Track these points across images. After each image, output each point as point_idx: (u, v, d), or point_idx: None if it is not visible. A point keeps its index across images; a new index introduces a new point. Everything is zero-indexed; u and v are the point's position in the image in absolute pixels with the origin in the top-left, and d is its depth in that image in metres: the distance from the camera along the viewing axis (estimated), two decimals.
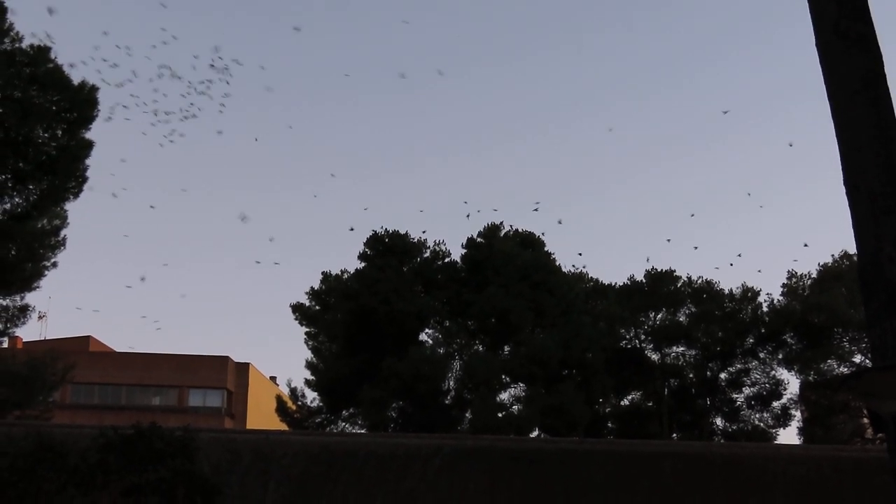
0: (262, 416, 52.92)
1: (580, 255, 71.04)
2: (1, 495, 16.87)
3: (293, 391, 42.01)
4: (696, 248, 62.19)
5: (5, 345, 36.74)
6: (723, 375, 43.72)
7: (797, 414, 43.94)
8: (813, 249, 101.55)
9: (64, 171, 25.89)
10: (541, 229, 43.10)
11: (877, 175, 8.23)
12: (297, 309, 42.27)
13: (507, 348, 39.36)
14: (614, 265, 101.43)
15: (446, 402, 38.52)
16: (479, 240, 41.01)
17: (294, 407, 41.55)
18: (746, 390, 43.78)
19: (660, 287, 43.38)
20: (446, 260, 41.36)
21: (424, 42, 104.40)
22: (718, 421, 43.94)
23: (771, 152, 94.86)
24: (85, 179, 26.65)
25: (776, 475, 20.66)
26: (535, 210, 60.57)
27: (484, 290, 38.26)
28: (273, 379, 64.00)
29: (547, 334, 38.08)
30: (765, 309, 43.43)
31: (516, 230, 42.13)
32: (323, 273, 42.60)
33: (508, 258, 39.37)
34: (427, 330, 40.23)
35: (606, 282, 45.03)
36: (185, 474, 17.17)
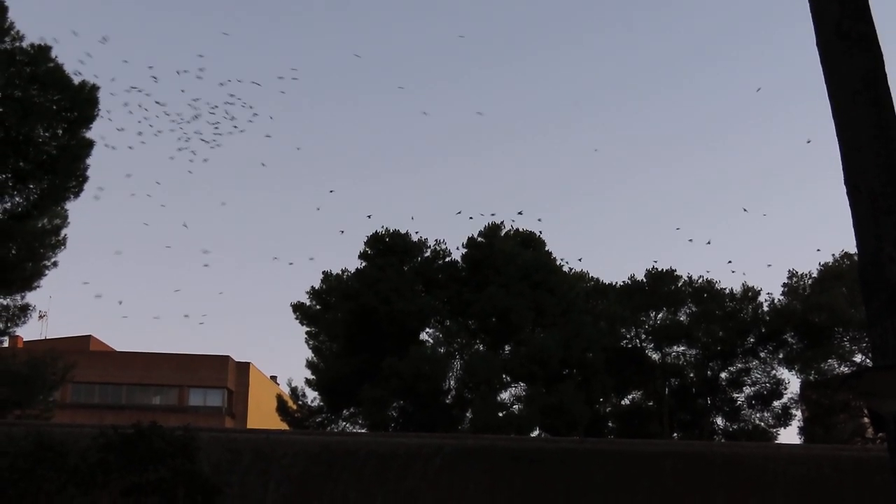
0: (262, 416, 52.92)
1: (580, 259, 71.25)
2: (1, 495, 16.88)
3: (294, 390, 42.02)
4: (690, 240, 61.99)
5: (6, 344, 36.72)
6: (723, 375, 43.71)
7: (798, 413, 43.95)
8: (813, 249, 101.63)
9: (64, 170, 25.87)
10: (537, 231, 42.94)
11: (877, 175, 8.23)
12: (298, 308, 42.28)
13: (507, 348, 39.36)
14: (615, 265, 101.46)
15: (447, 401, 38.53)
16: (479, 239, 41.01)
17: (294, 406, 41.55)
18: (747, 390, 43.79)
19: (660, 286, 43.37)
20: (447, 259, 41.38)
21: (424, 42, 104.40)
22: (719, 420, 43.95)
23: (771, 152, 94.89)
24: (86, 179, 26.64)
25: (777, 475, 20.66)
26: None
27: (484, 290, 38.26)
28: (274, 378, 63.99)
29: (547, 334, 38.08)
30: (765, 308, 43.45)
31: (517, 230, 42.14)
32: (323, 272, 42.64)
33: (509, 258, 39.37)
34: (428, 329, 40.24)
35: (607, 281, 45.07)
36: (185, 474, 17.18)
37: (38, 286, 27.58)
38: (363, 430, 37.87)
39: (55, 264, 27.41)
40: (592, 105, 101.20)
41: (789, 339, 42.83)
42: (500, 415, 36.90)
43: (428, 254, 41.29)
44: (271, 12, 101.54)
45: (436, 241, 41.61)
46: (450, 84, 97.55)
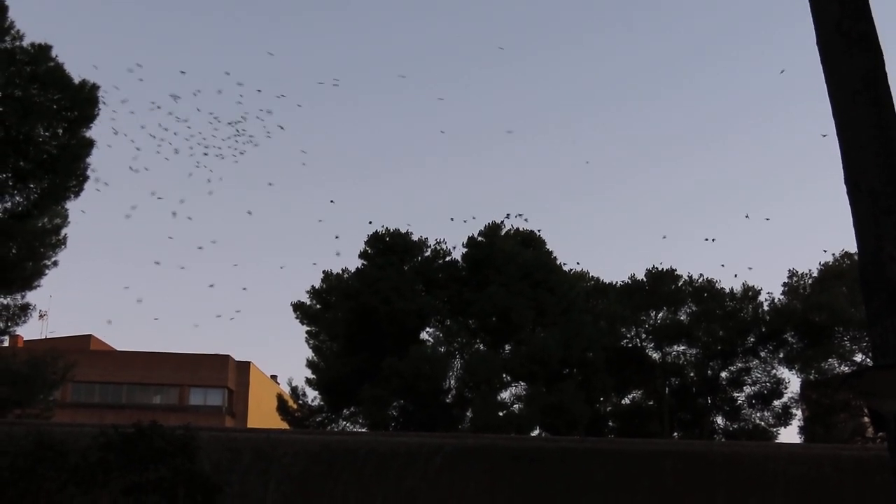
0: (262, 415, 52.93)
1: (577, 264, 71.34)
2: (2, 494, 16.88)
3: (294, 390, 42.02)
4: (706, 239, 61.69)
5: (6, 343, 36.73)
6: (723, 374, 43.71)
7: (798, 413, 43.96)
8: (813, 248, 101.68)
9: (65, 169, 25.87)
10: (537, 230, 42.95)
11: (878, 174, 8.23)
12: (298, 308, 42.29)
13: (507, 347, 39.36)
14: (615, 264, 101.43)
15: (447, 400, 38.53)
16: (479, 239, 41.01)
17: (295, 406, 41.55)
18: (747, 389, 43.79)
19: (660, 286, 43.37)
20: (447, 259, 41.38)
21: (425, 42, 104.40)
22: (719, 420, 43.97)
23: (771, 151, 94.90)
24: (86, 178, 26.65)
25: (777, 474, 20.65)
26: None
27: (485, 289, 38.27)
28: (274, 378, 64.00)
29: (548, 333, 38.08)
30: (766, 308, 43.45)
31: (517, 229, 42.14)
32: (324, 272, 42.67)
33: (509, 257, 39.37)
34: (428, 329, 40.25)
35: (607, 281, 45.09)
36: (185, 473, 17.18)
37: (39, 285, 27.61)
38: (363, 430, 37.88)
39: (55, 264, 27.43)
40: (592, 105, 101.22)
41: (790, 339, 42.82)
42: (501, 414, 36.90)
43: (428, 253, 41.30)
44: (271, 12, 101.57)
45: (436, 240, 41.67)
46: (449, 84, 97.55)
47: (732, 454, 21.96)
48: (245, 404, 58.83)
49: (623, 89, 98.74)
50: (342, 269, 41.87)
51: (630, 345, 43.51)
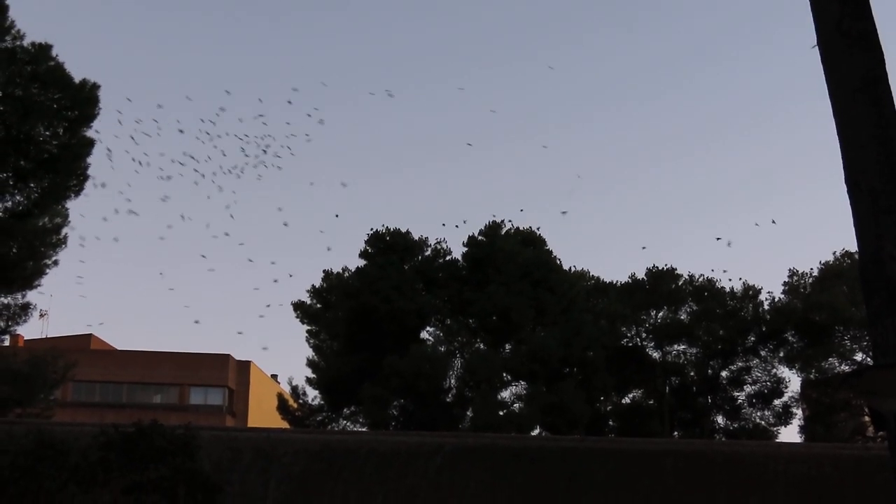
0: (263, 415, 52.94)
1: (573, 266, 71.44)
2: (2, 493, 16.89)
3: (294, 389, 42.04)
4: (717, 238, 61.65)
5: (6, 343, 36.73)
6: (724, 373, 43.73)
7: (798, 412, 43.97)
8: (814, 247, 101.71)
9: (65, 169, 25.89)
10: (537, 229, 42.94)
11: (878, 173, 8.23)
12: (299, 307, 42.29)
13: (508, 346, 39.37)
14: (615, 263, 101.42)
15: (447, 400, 38.55)
16: (480, 238, 41.01)
17: (295, 405, 41.57)
18: (747, 388, 43.82)
19: (661, 285, 43.39)
20: (447, 258, 41.39)
21: (424, 41, 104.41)
22: (719, 419, 43.99)
23: (772, 151, 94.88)
24: (86, 177, 26.67)
25: (777, 473, 20.65)
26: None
27: (485, 288, 38.28)
28: (274, 377, 64.00)
29: (548, 332, 38.10)
30: (766, 307, 43.46)
31: (517, 228, 42.13)
32: (324, 271, 42.70)
33: (509, 256, 39.38)
34: (428, 328, 40.28)
35: (607, 280, 45.12)
36: (186, 472, 17.18)
37: (39, 285, 27.63)
38: (364, 429, 37.90)
39: (56, 263, 27.44)
40: (592, 105, 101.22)
41: (790, 338, 42.84)
42: (501, 413, 36.92)
43: (428, 252, 41.31)
44: (269, 12, 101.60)
45: (436, 239, 41.67)
46: (449, 84, 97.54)
47: (733, 453, 21.96)
48: (245, 404, 58.84)
49: (623, 89, 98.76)
50: (342, 269, 41.92)
51: (630, 344, 43.53)
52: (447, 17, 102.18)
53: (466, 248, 40.98)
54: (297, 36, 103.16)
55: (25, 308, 28.47)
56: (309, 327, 42.36)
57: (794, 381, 47.08)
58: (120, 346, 61.59)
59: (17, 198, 26.07)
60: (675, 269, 43.94)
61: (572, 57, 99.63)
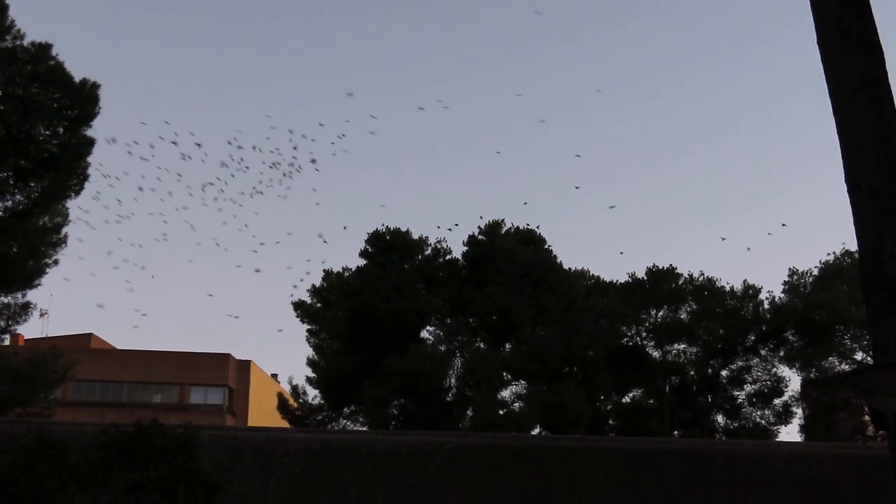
0: (263, 414, 52.96)
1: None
2: (2, 493, 16.87)
3: (294, 388, 42.05)
4: (723, 238, 61.82)
5: (7, 342, 36.77)
6: (724, 373, 43.75)
7: (798, 411, 44.00)
8: (814, 247, 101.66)
9: (65, 168, 25.90)
10: (537, 228, 42.95)
11: (878, 173, 8.23)
12: (299, 306, 42.31)
13: (508, 346, 39.38)
14: (615, 263, 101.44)
15: (447, 399, 38.55)
16: (480, 237, 41.01)
17: (295, 404, 41.59)
18: (748, 388, 43.84)
19: (661, 284, 43.41)
20: (447, 257, 41.40)
21: (424, 41, 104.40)
22: (720, 418, 44.02)
23: (772, 151, 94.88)
24: (86, 177, 26.69)
25: (777, 472, 20.64)
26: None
27: (485, 288, 38.28)
28: (274, 376, 64.05)
29: (548, 332, 38.10)
30: (766, 306, 43.49)
31: (517, 227, 42.14)
32: (324, 270, 42.71)
33: (509, 255, 39.39)
34: (428, 327, 40.30)
35: (607, 279, 45.14)
36: (186, 472, 17.16)
37: (39, 284, 27.65)
38: (364, 428, 37.92)
39: (56, 262, 27.48)
40: (593, 104, 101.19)
41: (790, 337, 42.86)
42: (501, 413, 36.93)
43: (428, 252, 41.31)
44: (269, 11, 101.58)
45: (436, 239, 41.68)
46: (450, 84, 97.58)
47: (733, 453, 21.95)
48: (245, 403, 58.85)
49: (624, 89, 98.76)
50: (343, 268, 41.94)
51: (630, 343, 43.55)
52: (447, 17, 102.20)
53: (466, 248, 41.00)
54: (296, 36, 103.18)
55: (26, 307, 28.51)
56: (309, 326, 42.40)
57: (794, 381, 47.23)
58: (120, 346, 61.64)
59: (18, 197, 26.09)
60: (675, 269, 43.99)
61: (572, 57, 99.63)
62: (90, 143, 26.45)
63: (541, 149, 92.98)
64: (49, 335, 55.65)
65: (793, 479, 20.53)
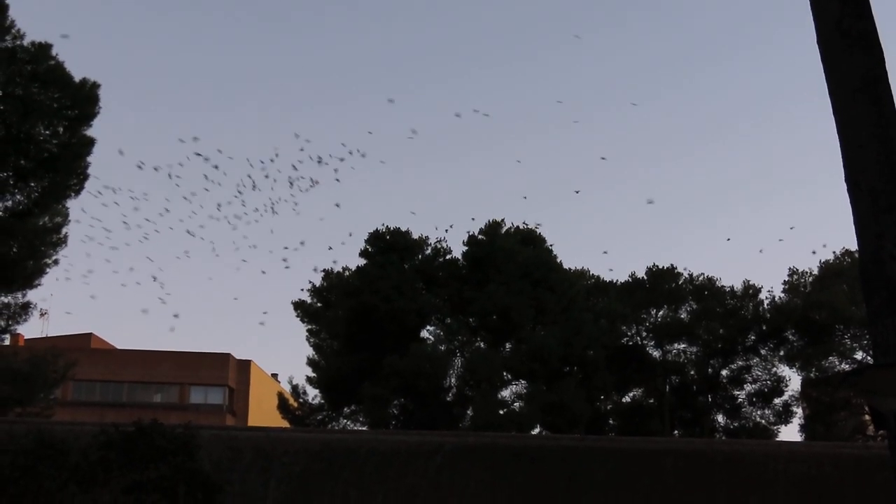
0: (263, 414, 52.96)
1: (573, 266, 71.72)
2: (2, 492, 16.87)
3: (294, 388, 42.05)
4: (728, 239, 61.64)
5: (7, 342, 36.76)
6: (724, 372, 43.76)
7: (798, 411, 44.02)
8: (814, 247, 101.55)
9: (65, 168, 25.90)
10: (537, 228, 42.94)
11: (878, 172, 8.23)
12: (299, 306, 42.30)
13: (508, 345, 39.38)
14: (616, 262, 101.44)
15: (447, 399, 38.55)
16: (480, 237, 41.01)
17: (295, 404, 41.58)
18: (748, 387, 43.85)
19: (661, 284, 43.42)
20: (447, 257, 41.38)
21: (425, 41, 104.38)
22: (720, 418, 44.03)
23: (772, 151, 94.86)
24: (86, 177, 26.69)
25: (777, 472, 20.64)
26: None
27: (485, 288, 38.28)
28: (274, 376, 64.06)
29: (548, 331, 38.10)
30: (766, 306, 43.49)
31: (517, 227, 42.14)
32: (324, 270, 42.69)
33: (509, 255, 39.38)
34: (428, 327, 40.29)
35: (607, 279, 45.13)
36: (186, 471, 17.15)
37: (39, 284, 27.65)
38: (364, 428, 37.91)
39: (56, 262, 27.49)
40: (592, 104, 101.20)
41: (790, 337, 42.87)
42: (501, 412, 36.93)
43: (429, 251, 41.30)
44: (269, 12, 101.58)
45: (437, 238, 41.67)
46: (451, 83, 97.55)
47: (733, 452, 21.95)
48: (246, 403, 58.86)
49: (624, 89, 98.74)
50: (343, 268, 41.93)
51: (630, 343, 43.55)
52: (447, 17, 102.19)
53: (466, 248, 40.99)
54: (296, 36, 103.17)
55: (26, 307, 28.51)
56: (309, 326, 42.39)
57: (794, 380, 47.23)
58: (120, 346, 61.65)
59: (18, 197, 26.09)
60: (675, 268, 44.01)
61: (572, 57, 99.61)
62: (90, 142, 26.45)
63: (541, 149, 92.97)
64: (49, 335, 55.68)
65: (793, 479, 20.53)
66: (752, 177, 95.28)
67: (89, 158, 26.53)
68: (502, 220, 41.91)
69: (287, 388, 43.13)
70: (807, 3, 9.29)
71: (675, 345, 43.56)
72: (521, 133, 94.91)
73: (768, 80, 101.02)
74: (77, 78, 26.22)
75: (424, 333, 40.06)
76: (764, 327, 42.94)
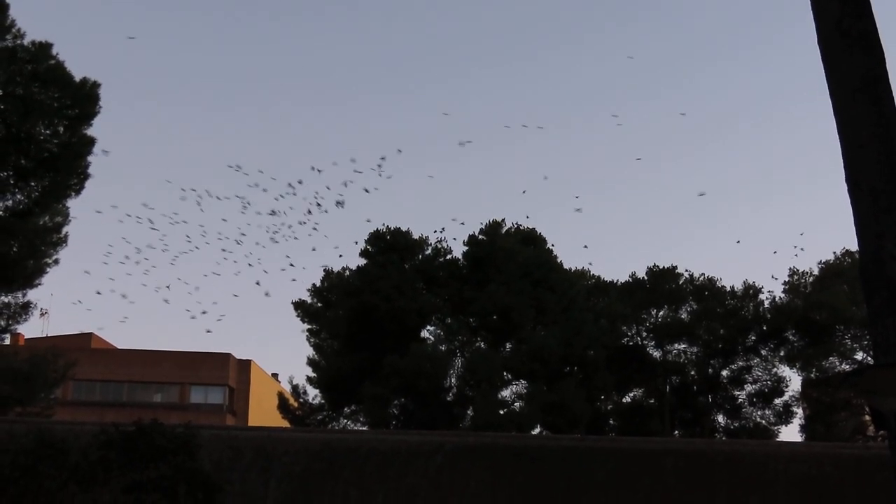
0: (263, 413, 52.95)
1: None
2: (2, 492, 16.88)
3: (295, 388, 42.03)
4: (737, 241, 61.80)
5: (7, 342, 36.76)
6: (724, 373, 43.75)
7: (799, 411, 44.01)
8: (814, 247, 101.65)
9: (66, 167, 25.89)
10: (537, 228, 42.95)
11: (878, 172, 8.22)
12: (299, 306, 42.28)
13: (508, 345, 39.37)
14: (616, 262, 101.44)
15: (448, 399, 38.54)
16: (480, 237, 41.00)
17: (296, 404, 41.57)
18: (748, 387, 43.84)
19: (661, 284, 43.40)
20: (448, 257, 41.36)
21: (425, 40, 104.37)
22: (720, 418, 44.02)
23: (772, 150, 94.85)
24: (87, 176, 26.67)
25: (777, 472, 20.64)
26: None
27: (485, 288, 38.27)
28: (275, 376, 64.05)
29: (548, 331, 38.08)
30: (766, 306, 43.47)
31: (518, 227, 42.12)
32: (325, 270, 42.68)
33: (510, 255, 39.37)
34: (428, 327, 40.27)
35: (608, 279, 45.13)
36: (186, 471, 17.16)
37: (40, 283, 27.65)
38: (364, 428, 37.90)
39: (56, 262, 27.47)
40: (593, 103, 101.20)
41: (790, 337, 42.85)
42: (501, 412, 36.91)
43: (429, 251, 41.29)
44: (270, 10, 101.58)
45: (437, 238, 41.64)
46: (451, 83, 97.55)
47: (733, 452, 21.95)
48: (246, 402, 58.85)
49: (625, 89, 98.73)
50: (343, 268, 41.91)
51: (631, 343, 43.55)
52: (447, 17, 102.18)
53: (467, 248, 40.97)
54: (295, 36, 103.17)
55: (26, 307, 28.50)
56: (309, 326, 42.37)
57: (794, 381, 47.28)
58: (120, 345, 61.65)
59: (18, 196, 26.08)
60: (676, 268, 44.00)
61: (572, 57, 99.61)
62: (91, 142, 26.44)
63: (541, 149, 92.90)
64: (49, 334, 55.69)
65: (793, 479, 20.53)
66: (752, 177, 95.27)
67: (90, 158, 26.56)
68: (502, 220, 41.95)
69: (287, 388, 43.12)
70: (807, 3, 9.28)
71: (676, 345, 43.55)
72: (521, 133, 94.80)
73: (768, 80, 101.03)
74: (77, 77, 26.24)
75: (425, 333, 40.07)
76: (764, 327, 42.93)
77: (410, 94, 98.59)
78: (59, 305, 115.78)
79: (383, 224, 41.45)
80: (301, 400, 41.52)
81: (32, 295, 30.52)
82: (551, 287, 39.16)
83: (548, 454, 21.07)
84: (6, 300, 28.00)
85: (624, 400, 44.52)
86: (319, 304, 42.29)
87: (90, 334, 60.53)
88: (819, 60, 9.07)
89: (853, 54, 8.70)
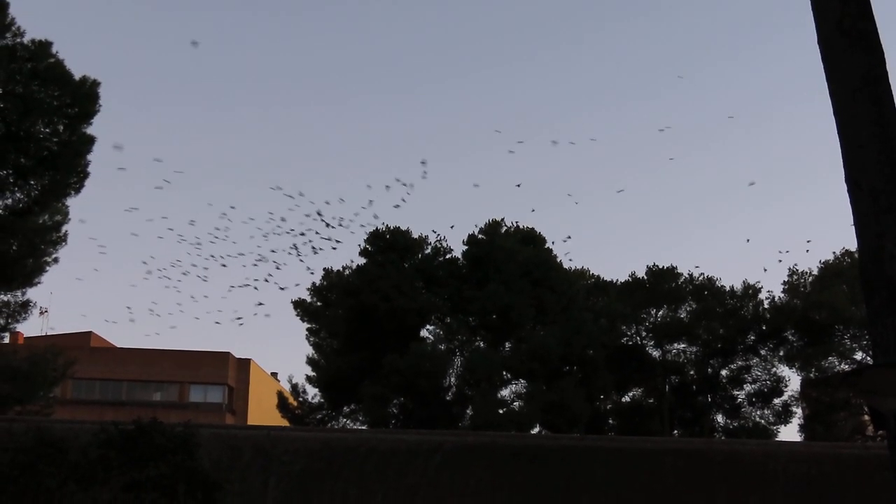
0: (263, 413, 52.96)
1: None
2: (2, 490, 16.86)
3: (294, 387, 42.03)
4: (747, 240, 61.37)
5: (6, 340, 36.73)
6: (724, 372, 43.74)
7: (798, 411, 44.00)
8: (814, 246, 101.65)
9: (65, 166, 25.88)
10: (536, 227, 42.96)
11: (878, 172, 8.24)
12: (299, 305, 42.28)
13: (508, 345, 39.36)
14: (616, 262, 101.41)
15: (447, 398, 38.53)
16: (480, 236, 40.99)
17: (295, 403, 41.57)
18: (747, 387, 43.83)
19: (661, 284, 43.39)
20: (447, 256, 41.35)
21: (426, 40, 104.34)
22: (719, 418, 44.02)
23: (773, 150, 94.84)
24: (86, 175, 26.67)
25: (777, 472, 20.63)
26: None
27: (485, 287, 38.26)
28: (274, 375, 64.07)
29: (548, 331, 38.07)
30: (766, 306, 43.46)
31: (517, 227, 42.13)
32: (324, 269, 42.67)
33: (509, 255, 39.36)
34: (428, 326, 40.27)
35: (607, 278, 45.15)
36: (185, 470, 17.14)
37: (39, 282, 27.66)
38: (364, 427, 37.89)
39: (56, 260, 27.48)
40: (592, 104, 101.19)
41: (790, 337, 42.85)
42: (501, 412, 36.92)
43: (428, 251, 41.27)
44: (267, 11, 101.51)
45: (436, 238, 41.63)
46: (451, 83, 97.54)
47: (732, 452, 21.93)
48: (245, 401, 58.87)
49: (625, 88, 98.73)
50: (343, 267, 41.90)
51: (630, 342, 43.54)
52: (447, 17, 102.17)
53: (466, 247, 40.97)
54: (295, 35, 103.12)
55: (25, 305, 28.51)
56: (309, 325, 42.38)
57: (793, 380, 47.26)
58: (120, 344, 61.65)
59: (18, 195, 26.08)
60: (676, 268, 43.99)
61: (572, 57, 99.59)
62: (90, 140, 26.43)
63: (541, 148, 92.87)
64: (48, 333, 55.69)
65: (792, 479, 20.51)
66: (752, 177, 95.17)
67: (89, 156, 26.55)
68: (502, 220, 41.96)
69: (287, 387, 43.12)
70: (807, 2, 9.29)
71: (675, 345, 43.55)
72: (520, 133, 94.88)
73: (768, 80, 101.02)
74: (77, 76, 26.23)
75: (424, 333, 40.07)
76: (764, 327, 42.92)
77: (410, 93, 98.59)
78: (59, 304, 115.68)
79: (383, 223, 41.51)
80: (300, 399, 41.53)
81: (32, 293, 30.50)
82: (551, 286, 39.17)
83: (547, 454, 21.06)
84: (5, 299, 28.01)
85: (623, 399, 44.53)
86: (319, 304, 42.29)
87: (89, 333, 60.54)
88: (819, 60, 9.08)
89: (853, 54, 8.71)
